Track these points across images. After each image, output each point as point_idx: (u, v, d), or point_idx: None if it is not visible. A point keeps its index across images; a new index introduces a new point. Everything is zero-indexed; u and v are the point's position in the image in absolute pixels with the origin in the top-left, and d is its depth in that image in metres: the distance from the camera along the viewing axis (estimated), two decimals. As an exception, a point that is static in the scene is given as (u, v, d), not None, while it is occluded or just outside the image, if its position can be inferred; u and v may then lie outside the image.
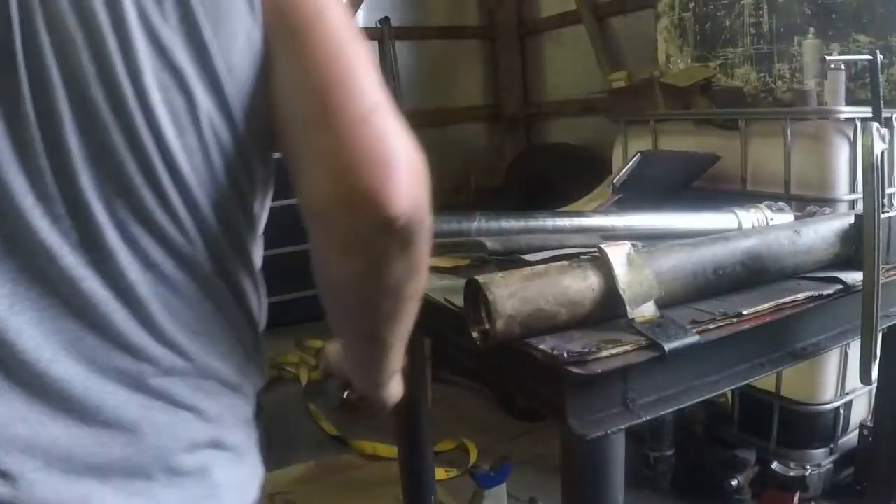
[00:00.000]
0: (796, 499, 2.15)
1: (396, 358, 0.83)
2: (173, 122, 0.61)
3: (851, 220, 1.16)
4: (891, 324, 1.21)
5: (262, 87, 0.65)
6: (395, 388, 0.97)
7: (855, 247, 1.14)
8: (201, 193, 0.64)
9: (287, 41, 0.64)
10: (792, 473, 2.18)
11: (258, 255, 0.74)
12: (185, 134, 0.62)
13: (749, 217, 1.32)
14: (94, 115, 0.58)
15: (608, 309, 0.93)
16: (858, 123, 2.00)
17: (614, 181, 1.97)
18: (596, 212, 1.59)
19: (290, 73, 0.64)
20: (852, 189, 2.03)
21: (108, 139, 0.59)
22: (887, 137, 1.07)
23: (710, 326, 0.94)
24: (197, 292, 0.66)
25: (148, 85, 0.59)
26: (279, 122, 0.65)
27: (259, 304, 0.75)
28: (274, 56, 0.65)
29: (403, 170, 0.61)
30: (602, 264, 0.94)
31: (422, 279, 0.70)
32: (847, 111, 2.06)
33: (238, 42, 0.63)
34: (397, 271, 0.65)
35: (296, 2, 0.64)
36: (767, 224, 1.31)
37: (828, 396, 2.17)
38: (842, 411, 2.20)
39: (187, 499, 0.65)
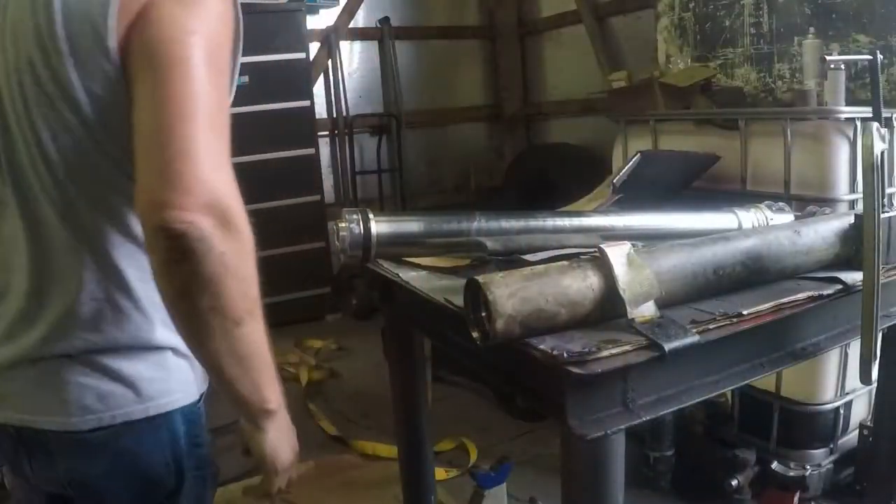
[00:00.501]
0: (796, 499, 2.15)
1: (239, 386, 0.90)
2: (47, 128, 0.87)
3: (851, 220, 1.16)
4: (891, 324, 1.21)
5: (122, 109, 0.84)
6: (273, 438, 0.98)
7: (855, 247, 1.14)
8: (66, 175, 0.89)
9: (148, 77, 0.82)
10: (792, 473, 2.18)
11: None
12: (56, 137, 0.88)
13: (749, 217, 1.32)
14: (6, 119, 0.91)
15: (608, 309, 0.93)
16: (858, 123, 2.00)
17: (614, 181, 1.97)
18: (596, 212, 1.59)
19: (140, 104, 0.82)
20: (852, 189, 2.03)
21: (10, 135, 0.90)
22: (887, 137, 1.07)
23: (710, 326, 0.94)
24: (68, 238, 0.91)
25: (31, 105, 0.88)
26: (131, 135, 0.83)
27: (133, 255, 0.94)
28: (136, 87, 0.83)
29: (190, 199, 0.76)
30: (602, 264, 0.94)
31: (221, 301, 0.81)
32: (847, 111, 2.06)
33: (96, 78, 0.85)
34: (181, 275, 0.79)
35: (164, 45, 0.82)
36: (767, 224, 1.31)
37: (828, 396, 2.17)
38: (842, 411, 2.20)
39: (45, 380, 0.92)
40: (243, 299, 0.83)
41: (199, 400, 1.02)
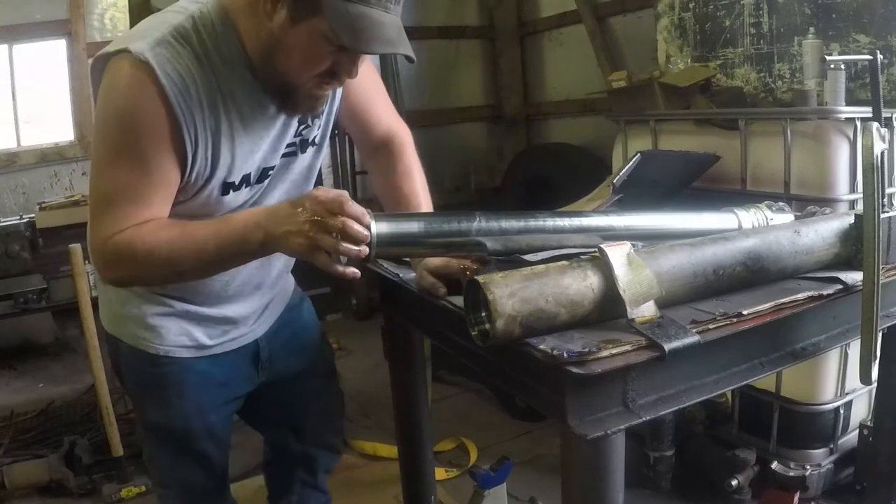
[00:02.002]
0: (796, 499, 2.14)
1: (226, 268, 1.22)
2: None
3: (851, 220, 1.16)
4: (891, 324, 1.21)
5: None
6: (283, 244, 1.06)
7: (855, 247, 1.14)
8: None
9: None
10: (792, 473, 2.18)
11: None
12: None
13: (749, 217, 1.32)
14: None
15: (608, 309, 0.93)
16: (858, 123, 2.00)
17: (614, 181, 1.97)
18: (596, 212, 1.59)
19: None
20: (852, 189, 2.03)
21: None
22: (887, 137, 1.07)
23: (710, 326, 0.94)
24: None
25: None
26: None
27: None
28: None
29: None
30: (602, 264, 0.94)
31: (145, 279, 1.22)
32: (847, 111, 2.06)
33: None
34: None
35: None
36: (767, 224, 1.31)
37: (828, 396, 2.17)
38: (842, 411, 2.20)
39: None
40: (162, 271, 1.14)
41: (148, 352, 1.35)
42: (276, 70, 1.14)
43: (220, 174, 1.19)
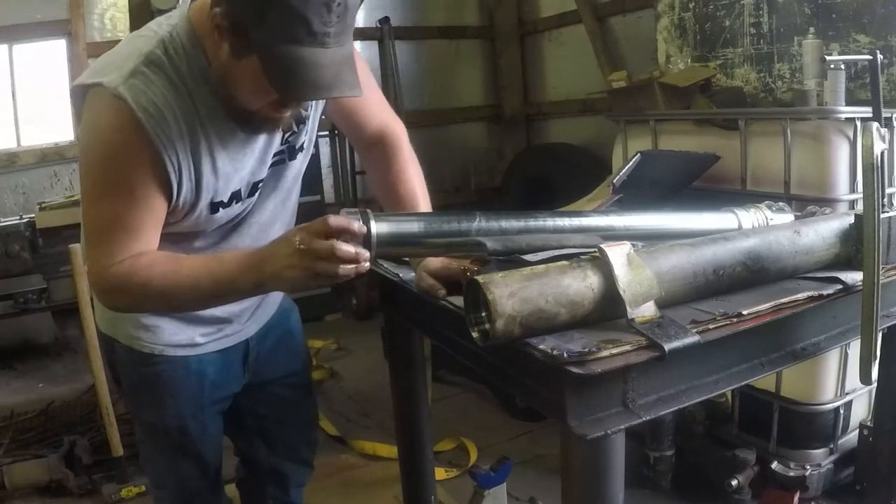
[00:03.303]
0: (796, 499, 2.14)
1: (223, 302, 1.25)
2: None
3: (851, 220, 1.16)
4: (891, 324, 1.21)
5: None
6: (284, 281, 1.07)
7: (855, 247, 1.14)
8: None
9: None
10: (792, 473, 2.18)
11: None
12: None
13: (749, 217, 1.32)
14: None
15: (608, 309, 0.93)
16: (858, 123, 2.00)
17: (614, 181, 1.97)
18: (596, 212, 1.59)
19: None
20: (852, 189, 2.03)
21: None
22: (887, 137, 1.07)
23: (710, 326, 0.94)
24: None
25: None
26: None
27: None
28: None
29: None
30: (602, 264, 0.94)
31: (142, 308, 1.28)
32: (847, 111, 2.06)
33: None
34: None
35: None
36: (767, 224, 1.31)
37: (828, 396, 2.17)
38: (842, 411, 2.20)
39: None
40: (157, 304, 1.21)
41: (143, 351, 1.36)
42: (231, 95, 1.14)
43: (205, 196, 1.20)
